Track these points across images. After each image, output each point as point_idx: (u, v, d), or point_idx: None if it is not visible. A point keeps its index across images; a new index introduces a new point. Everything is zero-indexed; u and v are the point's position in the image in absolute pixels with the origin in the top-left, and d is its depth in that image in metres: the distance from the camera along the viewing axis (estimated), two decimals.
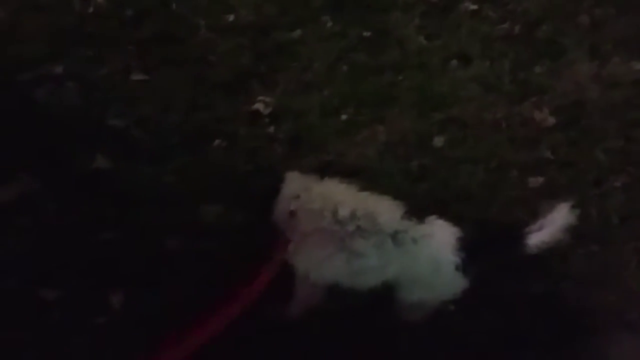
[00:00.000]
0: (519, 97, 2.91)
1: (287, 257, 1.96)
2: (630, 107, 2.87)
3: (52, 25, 3.09)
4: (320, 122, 2.79)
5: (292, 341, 2.05)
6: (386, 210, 1.91)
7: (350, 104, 2.87)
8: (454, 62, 3.07)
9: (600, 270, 2.32)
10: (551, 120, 2.82)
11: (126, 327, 2.07)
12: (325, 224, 1.89)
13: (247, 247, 2.16)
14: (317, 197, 1.93)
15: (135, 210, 2.38)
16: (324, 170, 2.47)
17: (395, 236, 1.87)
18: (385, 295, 1.98)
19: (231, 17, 3.24)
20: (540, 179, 2.59)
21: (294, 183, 2.00)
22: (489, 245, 1.93)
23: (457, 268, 1.87)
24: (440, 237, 1.89)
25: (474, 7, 3.33)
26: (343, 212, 1.89)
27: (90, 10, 3.20)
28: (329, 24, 3.24)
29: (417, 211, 1.93)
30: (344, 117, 2.83)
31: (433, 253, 1.88)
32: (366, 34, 3.19)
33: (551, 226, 1.84)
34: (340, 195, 1.94)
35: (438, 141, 2.74)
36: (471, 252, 1.87)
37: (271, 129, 2.77)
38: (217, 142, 2.69)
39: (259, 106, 2.83)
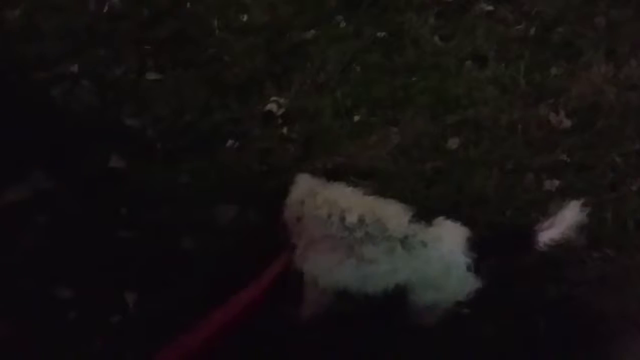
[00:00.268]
0: (535, 99, 2.88)
1: (292, 262, 1.96)
2: None
3: (68, 25, 3.11)
4: (333, 123, 2.78)
5: (304, 343, 2.05)
6: (394, 215, 1.90)
7: (364, 105, 2.86)
8: (469, 63, 3.04)
9: (615, 274, 2.30)
10: (567, 123, 2.79)
11: (141, 326, 2.09)
12: (334, 230, 1.89)
13: (261, 247, 2.16)
14: (323, 203, 1.92)
15: (149, 210, 2.40)
16: (336, 172, 2.49)
17: (404, 241, 1.86)
18: (397, 298, 1.97)
19: (245, 18, 3.24)
20: (556, 182, 2.57)
21: (302, 186, 2.00)
22: (500, 244, 1.93)
23: (468, 268, 1.86)
24: (450, 238, 1.88)
25: (490, 8, 3.29)
26: (351, 219, 1.88)
27: (105, 10, 3.22)
28: (343, 25, 3.22)
29: (431, 214, 1.92)
30: (357, 118, 2.83)
31: (444, 255, 1.87)
32: (380, 34, 3.17)
33: (562, 224, 1.82)
34: (346, 201, 1.93)
35: (452, 143, 2.72)
36: (482, 251, 1.86)
37: (284, 130, 2.77)
38: (230, 142, 2.70)
39: (272, 107, 2.83)
